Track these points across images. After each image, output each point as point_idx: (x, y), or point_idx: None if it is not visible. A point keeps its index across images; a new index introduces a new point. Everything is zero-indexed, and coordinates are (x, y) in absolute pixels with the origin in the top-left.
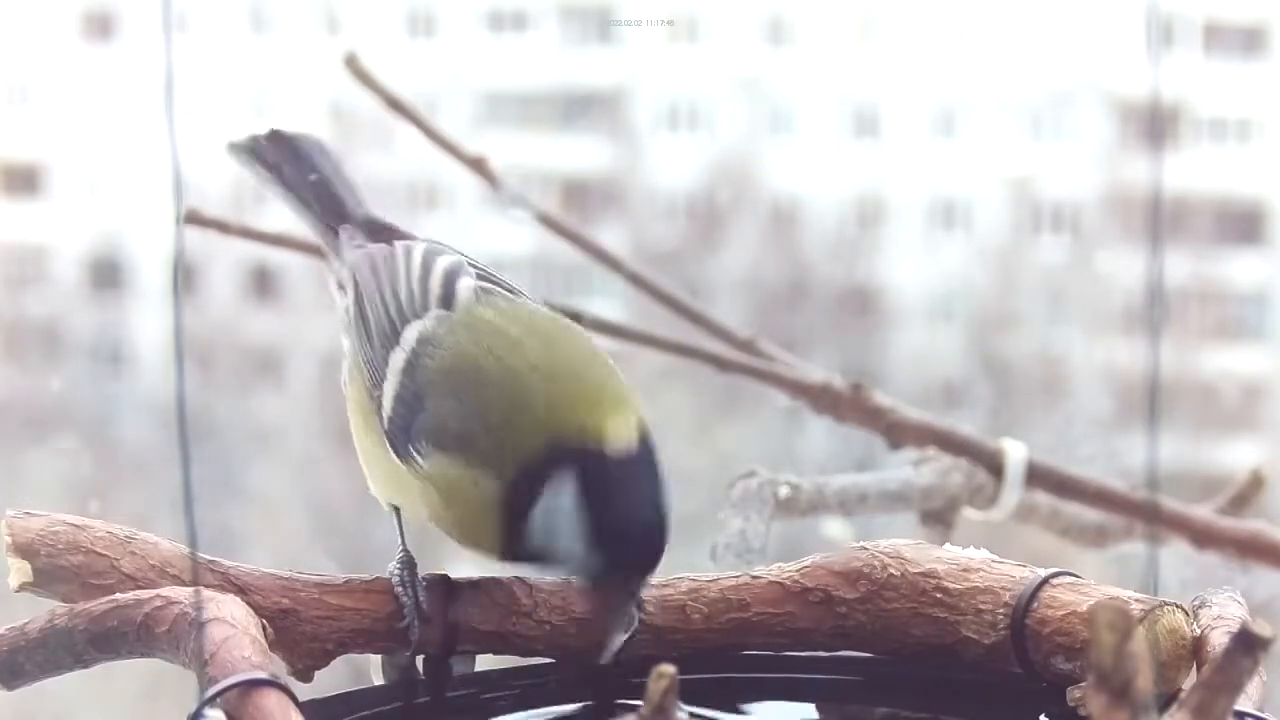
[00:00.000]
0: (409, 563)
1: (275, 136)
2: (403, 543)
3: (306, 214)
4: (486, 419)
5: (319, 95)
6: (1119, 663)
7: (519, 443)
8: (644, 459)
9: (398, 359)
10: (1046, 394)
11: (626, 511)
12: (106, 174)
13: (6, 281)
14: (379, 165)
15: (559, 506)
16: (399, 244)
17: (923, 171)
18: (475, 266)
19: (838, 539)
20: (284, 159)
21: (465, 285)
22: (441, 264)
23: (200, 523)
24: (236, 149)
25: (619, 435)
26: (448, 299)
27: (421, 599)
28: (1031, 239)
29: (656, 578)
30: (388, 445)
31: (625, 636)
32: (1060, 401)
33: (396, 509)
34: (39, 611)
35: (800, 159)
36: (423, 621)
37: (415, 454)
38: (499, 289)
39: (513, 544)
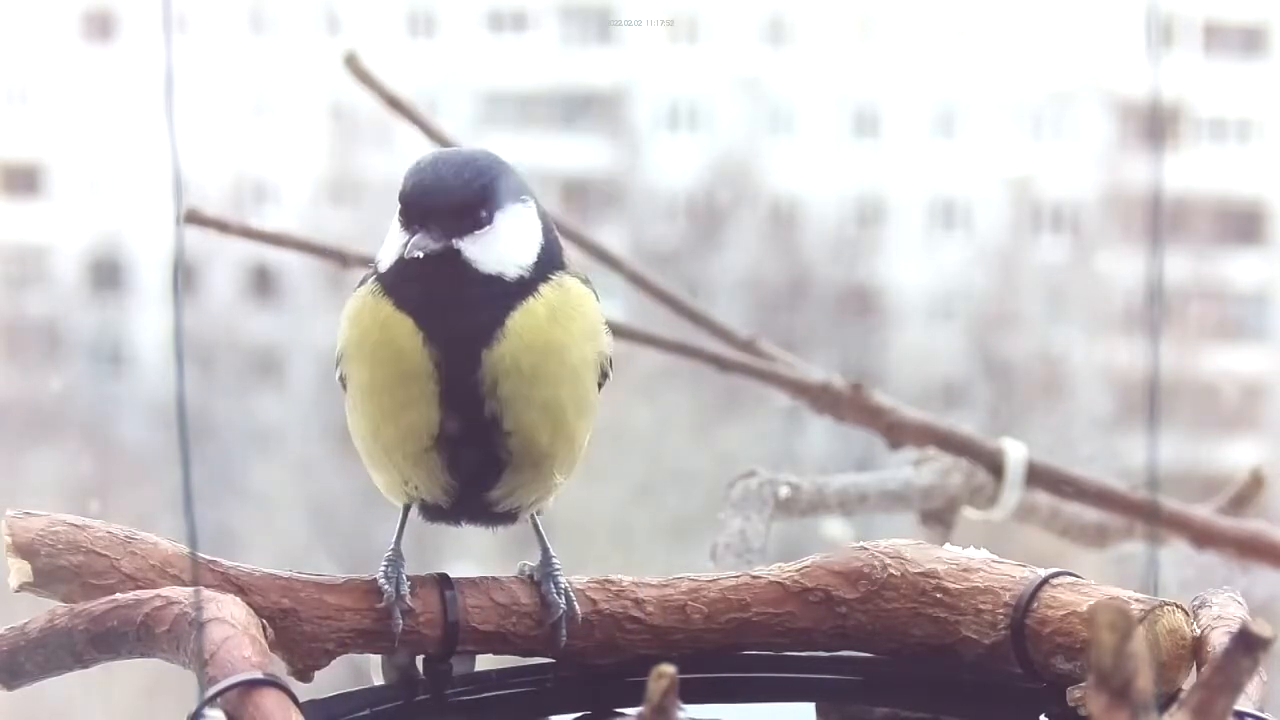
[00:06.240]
0: (394, 558)
1: None
2: (396, 541)
3: None
4: None
5: (319, 95)
6: (1119, 663)
7: None
8: None
9: None
10: (1046, 394)
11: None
12: (106, 174)
13: (6, 281)
14: (379, 165)
15: None
16: None
17: (923, 171)
18: None
19: (838, 539)
20: None
21: None
22: None
23: (200, 523)
24: None
25: None
26: None
27: (404, 591)
28: (1031, 239)
29: (656, 577)
30: None
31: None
32: (1060, 401)
33: (406, 507)
34: (39, 611)
35: (800, 159)
36: (404, 611)
37: None
38: None
39: None
